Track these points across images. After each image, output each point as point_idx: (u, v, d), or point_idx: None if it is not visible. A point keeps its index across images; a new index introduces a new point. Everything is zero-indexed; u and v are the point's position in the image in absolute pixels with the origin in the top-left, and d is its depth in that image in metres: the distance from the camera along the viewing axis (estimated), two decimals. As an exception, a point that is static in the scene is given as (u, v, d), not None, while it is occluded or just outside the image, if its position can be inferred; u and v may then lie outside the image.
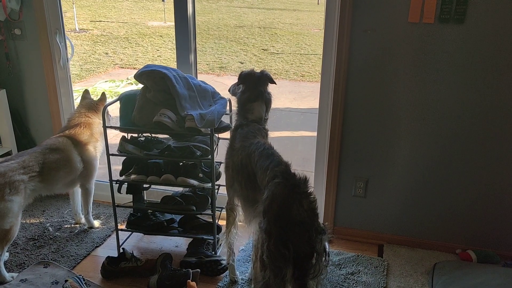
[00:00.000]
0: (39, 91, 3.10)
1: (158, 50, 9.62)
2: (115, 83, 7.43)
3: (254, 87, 2.31)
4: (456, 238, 2.71)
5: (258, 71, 2.36)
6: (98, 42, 10.25)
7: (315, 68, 8.68)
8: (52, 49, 2.96)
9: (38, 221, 2.98)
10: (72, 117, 2.75)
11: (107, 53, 9.53)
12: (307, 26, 12.70)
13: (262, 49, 10.12)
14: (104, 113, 2.47)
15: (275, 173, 1.77)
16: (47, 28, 2.90)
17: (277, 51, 10.05)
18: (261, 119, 2.28)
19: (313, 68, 8.71)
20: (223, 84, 7.20)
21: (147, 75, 2.38)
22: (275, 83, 2.38)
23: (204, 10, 13.72)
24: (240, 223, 2.41)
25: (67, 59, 3.04)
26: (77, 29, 10.98)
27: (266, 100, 2.32)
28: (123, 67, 8.72)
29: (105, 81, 7.56)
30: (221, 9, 14.80)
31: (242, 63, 9.00)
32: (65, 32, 3.01)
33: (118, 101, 2.55)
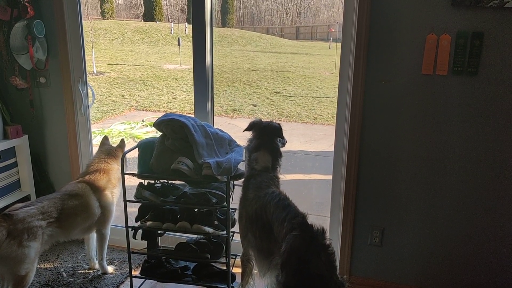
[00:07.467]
0: (60, 137, 3.18)
1: (173, 92, 9.87)
2: (130, 125, 7.58)
3: (258, 136, 2.31)
4: (477, 290, 2.64)
5: (268, 120, 2.38)
6: (114, 84, 10.55)
7: (327, 111, 8.78)
8: (74, 96, 3.06)
9: (52, 265, 2.98)
10: (91, 163, 2.80)
11: (123, 95, 9.78)
12: (319, 69, 12.97)
13: (275, 92, 10.31)
14: (123, 160, 2.51)
15: (293, 225, 1.77)
16: (71, 77, 3.01)
17: (290, 94, 10.23)
18: (267, 168, 2.25)
19: (325, 111, 8.82)
20: (236, 126, 7.31)
21: (166, 123, 2.44)
22: (281, 137, 2.35)
23: (219, 54, 14.12)
24: (255, 271, 2.38)
25: (88, 106, 3.13)
26: (95, 71, 11.35)
27: (272, 149, 2.29)
28: (138, 109, 8.92)
29: (121, 123, 7.71)
30: (234, 53, 15.23)
31: (255, 106, 9.16)
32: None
33: (137, 148, 2.60)
